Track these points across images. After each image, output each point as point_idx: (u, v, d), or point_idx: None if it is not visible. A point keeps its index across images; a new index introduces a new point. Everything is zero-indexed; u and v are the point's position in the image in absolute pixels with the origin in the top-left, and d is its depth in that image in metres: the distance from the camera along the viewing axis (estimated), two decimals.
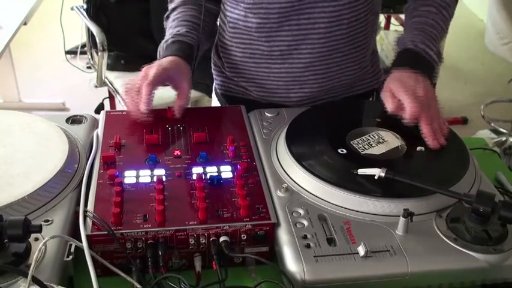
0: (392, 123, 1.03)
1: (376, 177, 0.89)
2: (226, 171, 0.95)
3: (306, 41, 1.16)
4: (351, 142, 1.00)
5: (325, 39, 1.16)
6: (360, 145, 1.00)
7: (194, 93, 2.37)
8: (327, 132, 1.03)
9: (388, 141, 1.01)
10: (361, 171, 0.91)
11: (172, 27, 1.20)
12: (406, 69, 1.07)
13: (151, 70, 1.07)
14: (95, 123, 1.11)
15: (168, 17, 1.25)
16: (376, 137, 1.02)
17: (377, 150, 0.99)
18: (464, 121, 3.23)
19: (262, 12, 1.14)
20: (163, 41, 1.19)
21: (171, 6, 1.26)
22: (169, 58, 1.12)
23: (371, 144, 1.00)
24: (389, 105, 1.03)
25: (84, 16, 2.42)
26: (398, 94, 1.02)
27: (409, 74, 1.05)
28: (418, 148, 0.99)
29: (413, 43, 1.12)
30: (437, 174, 0.95)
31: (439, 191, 0.87)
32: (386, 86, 1.06)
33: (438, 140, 0.99)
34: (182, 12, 1.22)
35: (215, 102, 1.39)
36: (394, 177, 0.88)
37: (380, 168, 0.89)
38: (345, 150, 0.98)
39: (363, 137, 1.02)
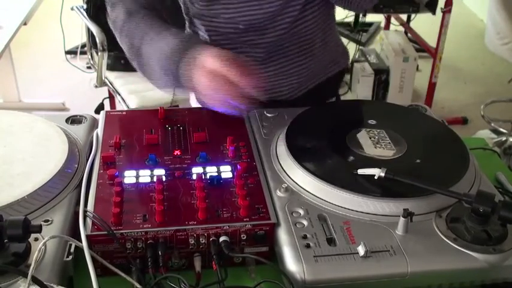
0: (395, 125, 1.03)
1: (376, 177, 0.89)
2: (226, 171, 0.95)
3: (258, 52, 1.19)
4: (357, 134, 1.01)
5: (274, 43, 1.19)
6: (362, 140, 1.00)
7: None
8: (327, 132, 1.03)
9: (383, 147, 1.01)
10: (360, 171, 0.91)
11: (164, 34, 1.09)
12: None
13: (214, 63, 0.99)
14: (94, 123, 1.11)
15: (123, 30, 1.15)
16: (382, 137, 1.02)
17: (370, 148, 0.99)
18: (464, 121, 3.23)
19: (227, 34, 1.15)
20: (174, 47, 1.05)
21: (121, 16, 1.16)
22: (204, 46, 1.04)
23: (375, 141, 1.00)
24: None
25: (84, 16, 2.42)
26: None
27: None
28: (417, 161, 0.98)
29: None
30: (437, 174, 0.95)
31: (439, 191, 0.87)
32: None
33: None
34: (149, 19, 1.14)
35: None
36: (394, 177, 0.88)
37: (380, 168, 0.89)
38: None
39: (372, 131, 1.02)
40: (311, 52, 1.25)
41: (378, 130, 1.04)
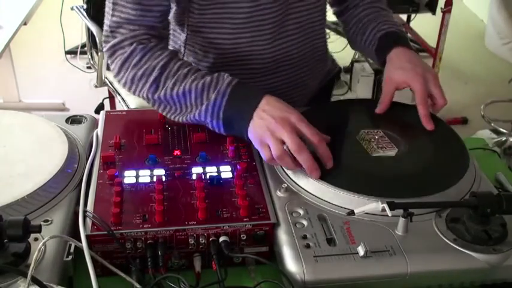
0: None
1: (380, 210, 0.82)
2: (226, 171, 0.95)
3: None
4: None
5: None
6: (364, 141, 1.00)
7: None
8: (326, 132, 1.03)
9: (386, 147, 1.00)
10: (358, 210, 0.84)
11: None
12: (400, 49, 1.15)
13: (293, 117, 0.93)
14: (94, 123, 1.11)
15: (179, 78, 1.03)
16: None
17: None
18: (464, 121, 3.23)
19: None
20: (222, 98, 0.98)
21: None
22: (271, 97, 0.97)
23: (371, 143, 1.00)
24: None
25: (84, 16, 2.42)
26: (414, 86, 1.09)
27: (408, 57, 1.13)
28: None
29: (388, 27, 1.20)
30: (437, 175, 0.94)
31: (448, 205, 0.87)
32: (392, 77, 1.11)
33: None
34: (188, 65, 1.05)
35: None
36: (395, 209, 0.81)
37: (376, 202, 0.83)
38: None
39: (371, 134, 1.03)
40: (315, 59, 1.27)
41: (377, 130, 1.04)
